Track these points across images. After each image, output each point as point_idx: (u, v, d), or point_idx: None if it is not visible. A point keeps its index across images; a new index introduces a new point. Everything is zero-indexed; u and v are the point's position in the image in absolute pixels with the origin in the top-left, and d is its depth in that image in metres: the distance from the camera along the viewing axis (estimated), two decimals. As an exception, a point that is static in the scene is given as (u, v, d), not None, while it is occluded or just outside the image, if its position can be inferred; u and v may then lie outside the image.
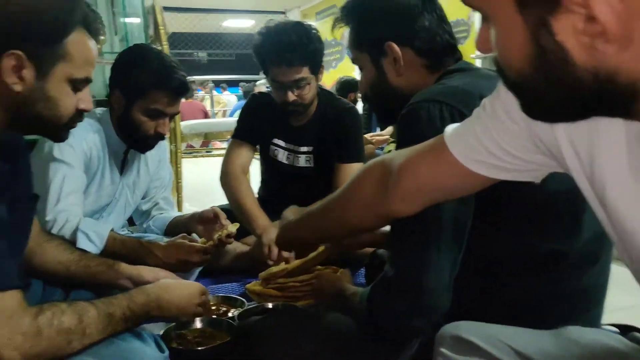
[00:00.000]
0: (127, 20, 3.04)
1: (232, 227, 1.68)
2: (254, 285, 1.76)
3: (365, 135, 3.30)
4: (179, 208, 2.71)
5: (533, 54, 0.53)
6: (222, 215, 1.77)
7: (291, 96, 1.96)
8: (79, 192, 1.61)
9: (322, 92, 2.15)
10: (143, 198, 1.96)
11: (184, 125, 3.52)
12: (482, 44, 0.62)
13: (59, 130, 1.08)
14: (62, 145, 1.53)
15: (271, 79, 1.98)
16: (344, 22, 1.27)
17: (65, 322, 0.94)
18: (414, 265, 0.99)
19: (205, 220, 1.81)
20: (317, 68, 1.98)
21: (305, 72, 1.94)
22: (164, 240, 1.71)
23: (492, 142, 0.76)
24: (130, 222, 2.06)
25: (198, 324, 1.48)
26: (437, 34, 1.18)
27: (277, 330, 1.16)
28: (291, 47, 1.87)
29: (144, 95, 1.62)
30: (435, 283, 0.97)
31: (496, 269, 1.04)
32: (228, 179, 2.09)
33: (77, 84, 1.03)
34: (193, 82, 10.67)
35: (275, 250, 1.78)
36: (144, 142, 1.73)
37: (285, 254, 1.74)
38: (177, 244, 1.60)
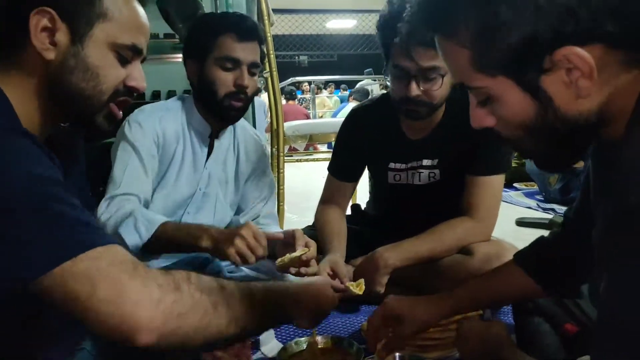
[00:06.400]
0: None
1: (298, 252, 1.36)
2: (370, 323, 1.42)
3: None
4: (280, 218, 2.41)
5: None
6: (300, 239, 1.41)
7: (414, 89, 1.52)
8: (142, 178, 1.48)
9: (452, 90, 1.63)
10: (238, 212, 1.72)
11: (287, 126, 3.26)
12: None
13: (99, 109, 0.87)
14: (132, 123, 1.50)
15: (393, 66, 1.55)
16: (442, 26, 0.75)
17: (206, 281, 0.78)
18: None
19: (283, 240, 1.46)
20: None
21: (439, 60, 1.39)
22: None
23: None
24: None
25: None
26: None
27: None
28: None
29: (213, 46, 1.53)
30: None
31: None
32: (320, 215, 1.81)
33: (123, 52, 0.87)
34: (297, 84, 10.63)
35: (341, 269, 1.53)
36: (227, 105, 1.53)
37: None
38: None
